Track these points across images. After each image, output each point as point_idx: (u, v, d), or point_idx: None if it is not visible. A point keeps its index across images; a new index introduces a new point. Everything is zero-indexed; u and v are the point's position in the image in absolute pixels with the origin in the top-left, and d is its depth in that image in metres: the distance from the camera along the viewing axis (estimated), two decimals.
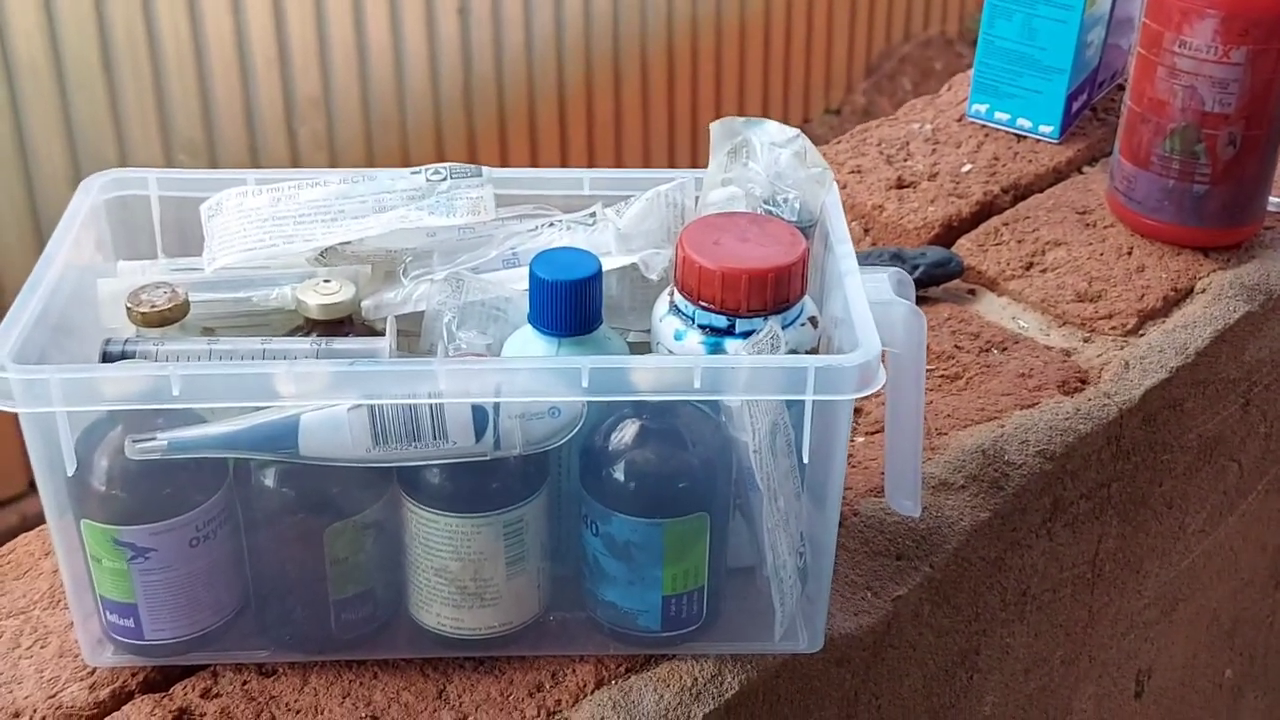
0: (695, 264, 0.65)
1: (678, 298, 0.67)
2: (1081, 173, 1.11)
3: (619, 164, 4.19)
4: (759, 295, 0.65)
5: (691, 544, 0.65)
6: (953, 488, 0.80)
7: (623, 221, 0.72)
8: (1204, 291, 0.95)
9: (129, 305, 0.64)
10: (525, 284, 0.66)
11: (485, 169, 0.72)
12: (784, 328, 0.66)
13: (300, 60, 2.57)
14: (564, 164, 3.66)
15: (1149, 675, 1.04)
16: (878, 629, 0.73)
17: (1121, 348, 0.91)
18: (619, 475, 0.64)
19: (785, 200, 0.71)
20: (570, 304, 0.64)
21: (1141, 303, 0.94)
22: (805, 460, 0.63)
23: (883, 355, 0.62)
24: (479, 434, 0.60)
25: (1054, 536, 0.86)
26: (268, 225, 0.70)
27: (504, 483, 0.63)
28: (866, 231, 1.04)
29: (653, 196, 0.72)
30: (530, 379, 0.60)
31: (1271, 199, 1.00)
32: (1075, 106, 1.13)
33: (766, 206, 0.71)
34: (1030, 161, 1.10)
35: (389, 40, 2.71)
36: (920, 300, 0.95)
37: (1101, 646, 0.96)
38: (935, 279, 0.95)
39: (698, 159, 5.03)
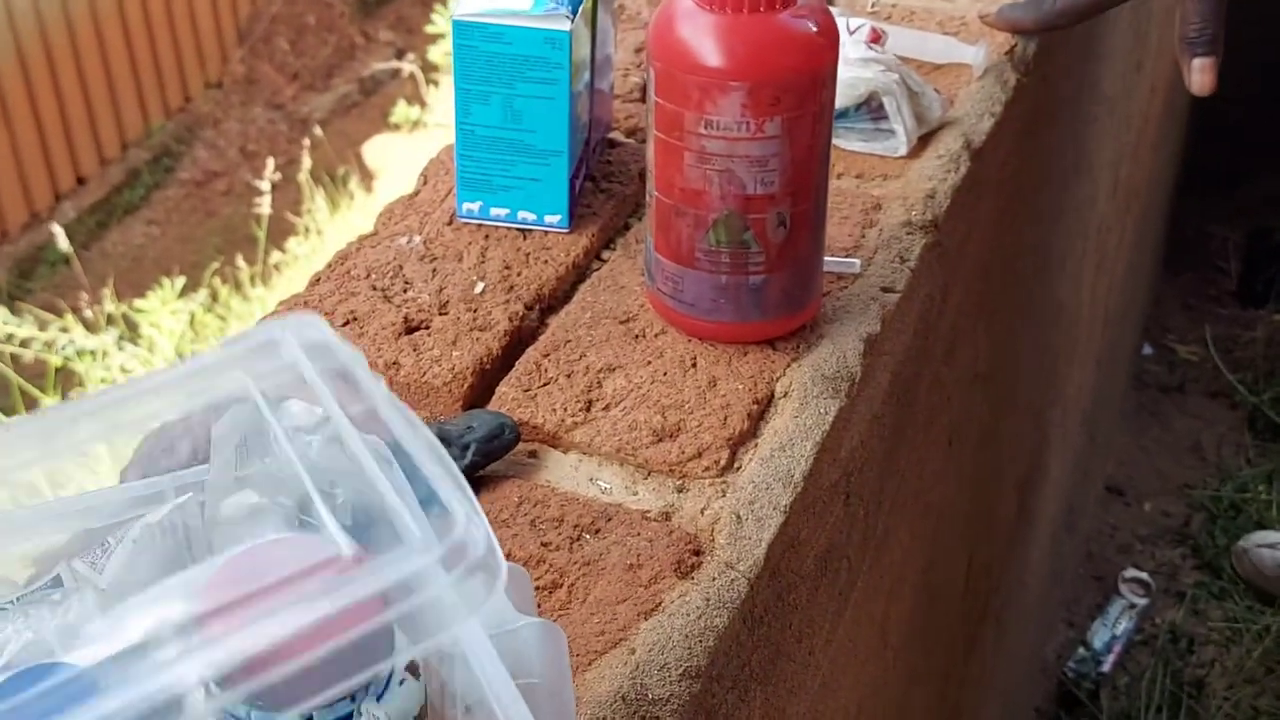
0: (228, 644, 0.45)
1: (218, 691, 0.46)
2: (602, 259, 0.97)
3: None
4: (331, 673, 0.45)
5: None
6: None
7: (105, 579, 0.51)
8: (786, 395, 0.83)
9: None
10: None
11: None
12: (378, 700, 0.47)
13: None
14: None
15: None
16: None
17: (723, 493, 0.77)
18: None
19: (333, 501, 0.52)
20: None
21: (726, 427, 0.81)
22: None
23: None
24: None
25: None
26: None
27: None
28: None
29: (143, 533, 0.51)
30: None
31: (826, 259, 0.90)
32: (578, 185, 0.98)
33: (303, 518, 0.51)
34: (546, 262, 0.94)
35: None
36: (481, 481, 0.78)
37: None
38: (492, 455, 0.78)
39: (81, 173, 4.59)
